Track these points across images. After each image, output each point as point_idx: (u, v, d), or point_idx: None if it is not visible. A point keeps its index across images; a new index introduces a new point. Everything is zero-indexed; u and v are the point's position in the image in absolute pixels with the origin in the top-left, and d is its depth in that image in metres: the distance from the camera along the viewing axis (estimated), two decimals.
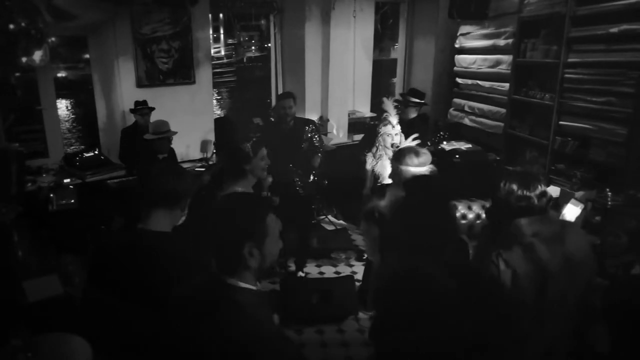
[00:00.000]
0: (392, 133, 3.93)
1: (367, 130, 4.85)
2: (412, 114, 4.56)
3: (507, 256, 1.86)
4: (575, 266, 1.86)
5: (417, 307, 0.75)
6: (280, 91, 6.16)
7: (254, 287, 1.45)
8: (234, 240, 1.42)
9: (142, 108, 4.63)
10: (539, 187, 1.93)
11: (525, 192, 1.91)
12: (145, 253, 1.87)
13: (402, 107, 4.54)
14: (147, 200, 1.97)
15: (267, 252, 1.46)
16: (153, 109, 4.67)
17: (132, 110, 4.69)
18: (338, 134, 6.12)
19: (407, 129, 4.58)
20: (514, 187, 1.93)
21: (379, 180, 3.87)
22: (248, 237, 1.42)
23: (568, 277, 1.84)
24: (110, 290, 1.92)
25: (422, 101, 4.63)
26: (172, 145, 4.38)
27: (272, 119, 5.13)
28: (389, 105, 4.03)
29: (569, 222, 2.08)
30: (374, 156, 3.96)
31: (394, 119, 3.99)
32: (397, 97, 4.30)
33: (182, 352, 1.43)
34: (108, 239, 2.30)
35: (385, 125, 3.97)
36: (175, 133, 4.29)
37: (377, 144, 3.99)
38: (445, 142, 5.60)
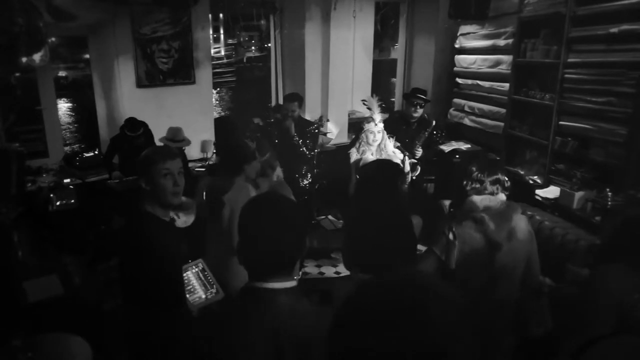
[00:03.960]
0: (375, 130, 4.05)
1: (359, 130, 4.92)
2: (418, 113, 4.62)
3: (457, 229, 2.17)
4: (517, 242, 2.17)
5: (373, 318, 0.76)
6: (280, 91, 6.17)
7: (295, 283, 1.39)
8: (293, 251, 1.37)
9: (137, 136, 4.49)
10: (496, 175, 2.23)
11: (480, 175, 2.23)
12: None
13: (408, 106, 4.60)
14: None
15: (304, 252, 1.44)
16: (146, 128, 4.60)
17: (122, 129, 4.53)
18: (337, 134, 6.11)
19: (418, 127, 4.62)
20: (473, 169, 2.27)
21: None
22: (303, 246, 1.40)
23: (510, 250, 2.15)
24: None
25: (427, 99, 4.70)
26: None
27: (273, 119, 5.14)
28: (373, 103, 4.12)
29: (513, 204, 2.30)
30: (358, 152, 4.07)
31: (377, 117, 4.10)
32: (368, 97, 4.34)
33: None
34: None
35: (368, 122, 4.09)
36: (189, 143, 4.34)
37: (360, 140, 4.11)
38: (441, 142, 5.61)
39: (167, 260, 2.00)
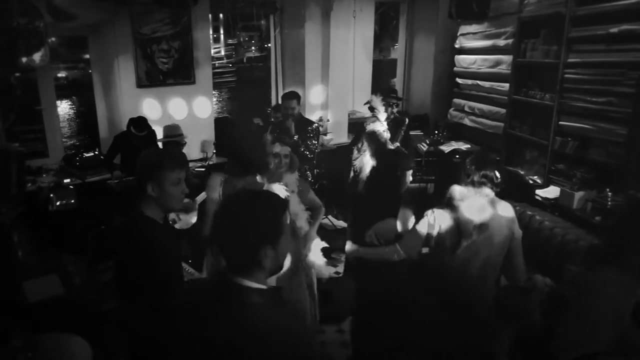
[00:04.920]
0: (381, 130, 3.99)
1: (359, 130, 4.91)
2: (392, 113, 4.60)
3: (437, 213, 2.38)
4: (491, 235, 2.29)
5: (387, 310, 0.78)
6: (280, 91, 6.16)
7: (264, 287, 1.41)
8: (252, 242, 1.37)
9: (142, 136, 4.48)
10: (485, 170, 2.33)
11: (472, 167, 2.34)
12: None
13: (385, 106, 4.55)
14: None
15: (282, 252, 1.42)
16: (150, 129, 4.61)
17: (128, 128, 4.53)
18: (336, 132, 6.12)
19: (394, 126, 4.62)
20: (467, 161, 2.38)
21: (359, 175, 3.91)
22: (266, 239, 1.38)
23: (482, 241, 2.29)
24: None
25: (400, 97, 4.69)
26: None
27: (273, 119, 5.14)
28: (377, 103, 4.10)
29: (498, 201, 2.39)
30: (358, 150, 4.04)
31: (382, 116, 4.09)
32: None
33: (191, 354, 1.39)
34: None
35: (373, 122, 4.06)
36: (185, 137, 4.33)
37: (362, 140, 4.08)
38: (442, 142, 5.63)
39: (166, 263, 1.98)
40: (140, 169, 1.99)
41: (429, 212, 2.43)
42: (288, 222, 1.46)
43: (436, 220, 2.38)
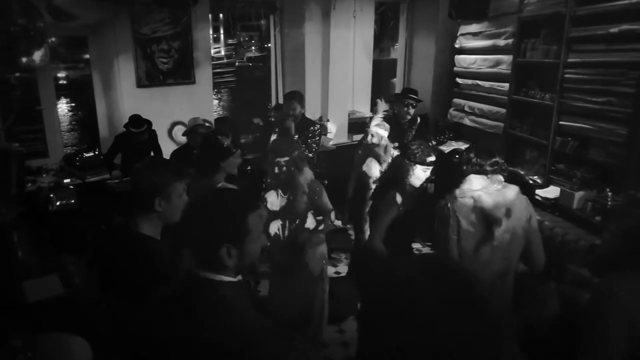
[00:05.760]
0: (384, 135, 4.05)
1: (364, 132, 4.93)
2: (410, 114, 4.61)
3: (454, 206, 2.35)
4: (514, 219, 2.31)
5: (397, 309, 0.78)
6: (280, 91, 6.16)
7: (233, 279, 1.41)
8: (211, 240, 1.37)
9: (141, 132, 4.46)
10: (495, 158, 2.38)
11: (479, 160, 2.37)
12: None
13: (398, 107, 4.56)
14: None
15: (247, 252, 1.41)
16: (150, 125, 4.58)
17: (126, 127, 4.49)
18: (336, 133, 6.11)
19: (408, 127, 4.62)
20: (472, 155, 2.41)
21: (369, 179, 3.96)
22: (226, 238, 1.37)
23: (507, 227, 2.30)
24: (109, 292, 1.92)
25: (419, 99, 4.69)
26: (172, 145, 4.40)
27: (273, 119, 5.14)
28: (382, 106, 4.10)
29: (511, 185, 2.44)
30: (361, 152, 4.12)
31: (380, 115, 4.12)
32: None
33: (168, 349, 1.39)
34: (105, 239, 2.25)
35: (377, 124, 4.07)
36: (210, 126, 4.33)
37: (364, 142, 4.15)
38: (443, 142, 5.63)
39: (164, 278, 1.94)
40: (145, 185, 1.88)
41: (442, 205, 2.40)
42: (260, 224, 1.44)
43: (455, 213, 2.34)
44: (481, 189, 2.35)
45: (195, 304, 1.37)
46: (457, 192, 2.40)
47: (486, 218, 2.31)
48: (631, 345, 1.58)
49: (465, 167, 2.43)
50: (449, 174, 2.61)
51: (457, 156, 5.33)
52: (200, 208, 1.44)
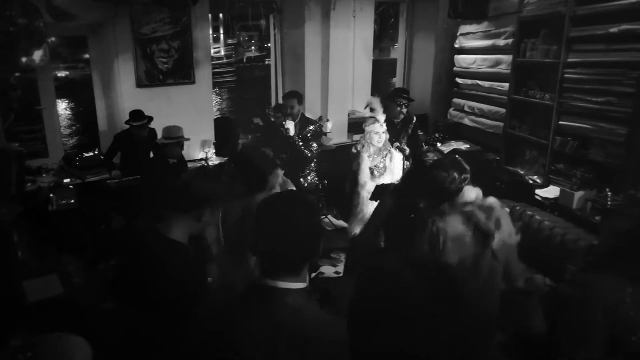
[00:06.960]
0: (380, 131, 4.07)
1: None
2: (403, 113, 4.62)
3: (441, 224, 2.17)
4: (502, 227, 2.20)
5: (386, 308, 0.77)
6: (280, 91, 6.16)
7: (305, 284, 1.39)
8: (315, 241, 1.38)
9: (142, 125, 4.46)
10: (466, 173, 2.24)
11: (461, 176, 2.20)
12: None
13: (392, 107, 4.57)
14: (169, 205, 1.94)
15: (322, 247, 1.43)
16: (151, 121, 4.59)
17: (128, 123, 4.50)
18: (335, 132, 6.11)
19: (402, 126, 4.63)
20: (455, 175, 2.21)
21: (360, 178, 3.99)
22: (317, 252, 1.39)
23: (499, 235, 2.19)
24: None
25: (412, 98, 4.72)
26: None
27: (273, 119, 5.14)
28: (377, 104, 4.12)
29: (490, 198, 2.32)
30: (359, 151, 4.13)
31: (381, 118, 4.11)
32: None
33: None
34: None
35: (373, 123, 4.07)
36: (188, 139, 4.29)
37: (362, 142, 4.14)
38: (441, 142, 5.63)
39: (196, 281, 1.93)
40: (186, 202, 1.92)
41: (430, 225, 2.19)
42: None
43: (440, 232, 2.16)
44: (467, 204, 2.23)
45: (263, 312, 1.31)
46: (446, 207, 2.23)
47: (481, 234, 2.19)
48: (609, 331, 1.67)
49: (451, 187, 2.22)
50: (431, 188, 2.41)
51: (457, 156, 5.33)
52: (291, 213, 1.37)
